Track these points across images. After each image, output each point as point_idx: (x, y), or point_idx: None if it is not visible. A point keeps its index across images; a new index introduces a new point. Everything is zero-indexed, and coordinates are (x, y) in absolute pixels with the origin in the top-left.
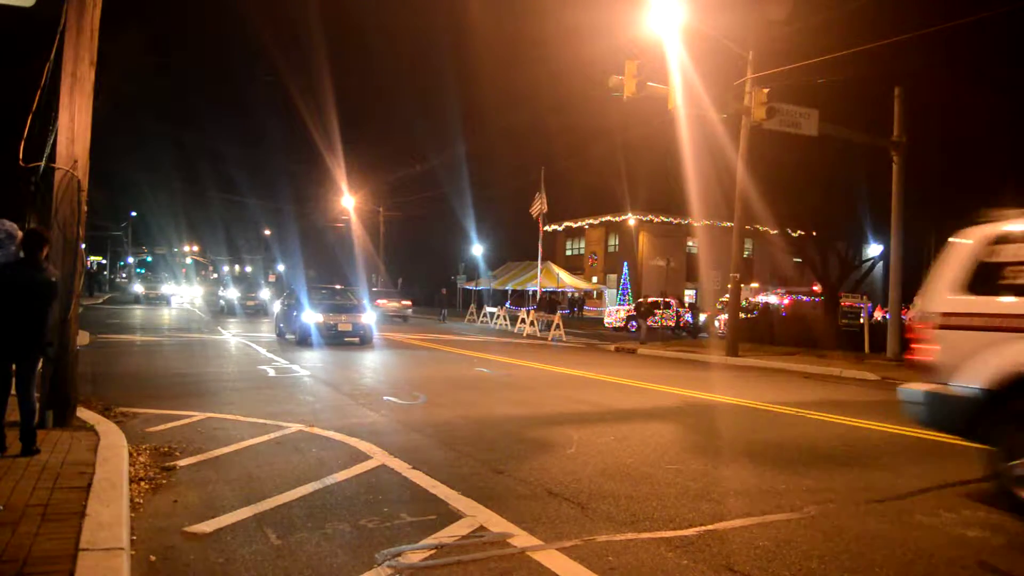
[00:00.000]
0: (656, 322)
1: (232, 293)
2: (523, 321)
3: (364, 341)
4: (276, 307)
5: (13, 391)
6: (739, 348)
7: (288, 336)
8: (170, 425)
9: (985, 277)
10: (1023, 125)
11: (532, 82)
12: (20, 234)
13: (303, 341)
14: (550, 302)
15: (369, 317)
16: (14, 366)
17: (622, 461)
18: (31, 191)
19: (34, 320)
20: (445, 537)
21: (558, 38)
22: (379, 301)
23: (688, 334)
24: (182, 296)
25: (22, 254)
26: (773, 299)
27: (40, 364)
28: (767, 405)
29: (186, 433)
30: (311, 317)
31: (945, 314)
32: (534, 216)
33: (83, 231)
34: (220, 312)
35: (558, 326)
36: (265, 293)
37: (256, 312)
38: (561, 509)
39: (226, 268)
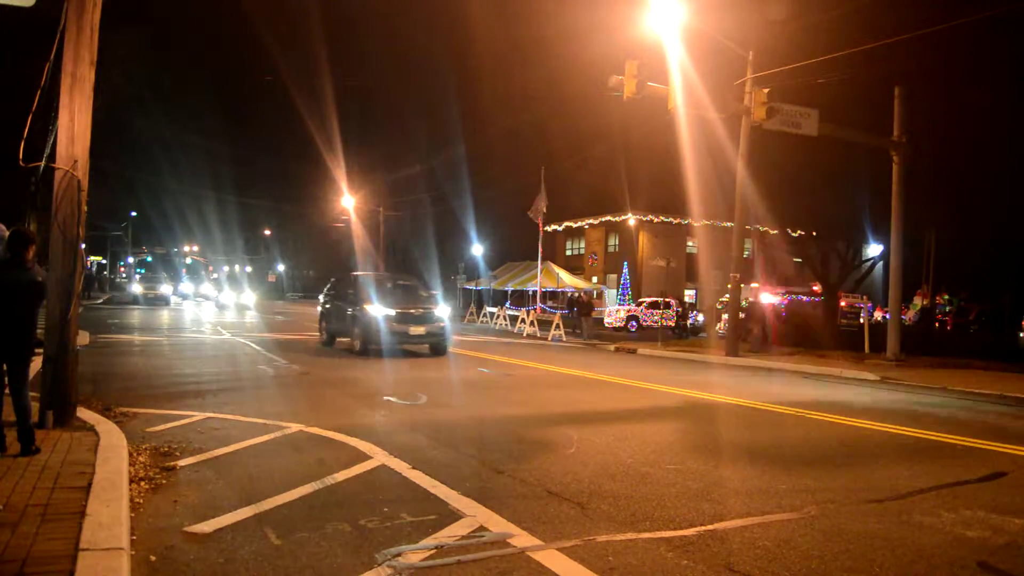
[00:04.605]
0: (656, 322)
1: (379, 309)
2: (523, 321)
3: None
4: None
5: (8, 391)
6: (739, 348)
7: None
8: (170, 425)
9: None
10: (1022, 125)
11: (532, 82)
12: (7, 234)
13: None
14: (582, 303)
15: None
16: (5, 366)
17: (622, 461)
18: (31, 191)
19: (22, 319)
20: (445, 537)
21: (558, 39)
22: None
23: (689, 334)
24: (223, 300)
25: (9, 254)
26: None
27: (40, 365)
28: (767, 405)
29: (186, 433)
30: None
31: None
32: (532, 218)
33: (83, 231)
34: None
35: (558, 326)
36: (444, 310)
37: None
38: (561, 509)
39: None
